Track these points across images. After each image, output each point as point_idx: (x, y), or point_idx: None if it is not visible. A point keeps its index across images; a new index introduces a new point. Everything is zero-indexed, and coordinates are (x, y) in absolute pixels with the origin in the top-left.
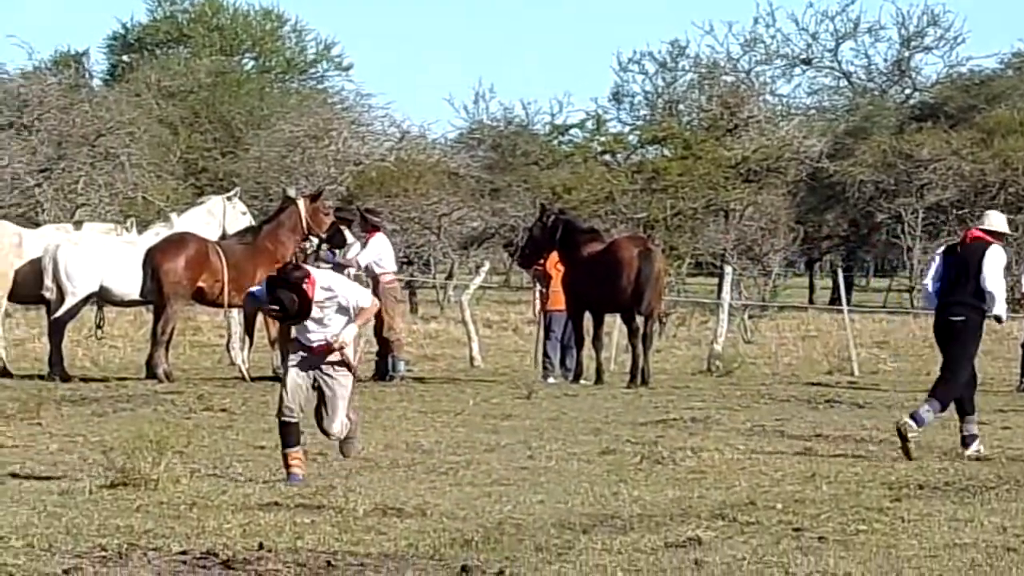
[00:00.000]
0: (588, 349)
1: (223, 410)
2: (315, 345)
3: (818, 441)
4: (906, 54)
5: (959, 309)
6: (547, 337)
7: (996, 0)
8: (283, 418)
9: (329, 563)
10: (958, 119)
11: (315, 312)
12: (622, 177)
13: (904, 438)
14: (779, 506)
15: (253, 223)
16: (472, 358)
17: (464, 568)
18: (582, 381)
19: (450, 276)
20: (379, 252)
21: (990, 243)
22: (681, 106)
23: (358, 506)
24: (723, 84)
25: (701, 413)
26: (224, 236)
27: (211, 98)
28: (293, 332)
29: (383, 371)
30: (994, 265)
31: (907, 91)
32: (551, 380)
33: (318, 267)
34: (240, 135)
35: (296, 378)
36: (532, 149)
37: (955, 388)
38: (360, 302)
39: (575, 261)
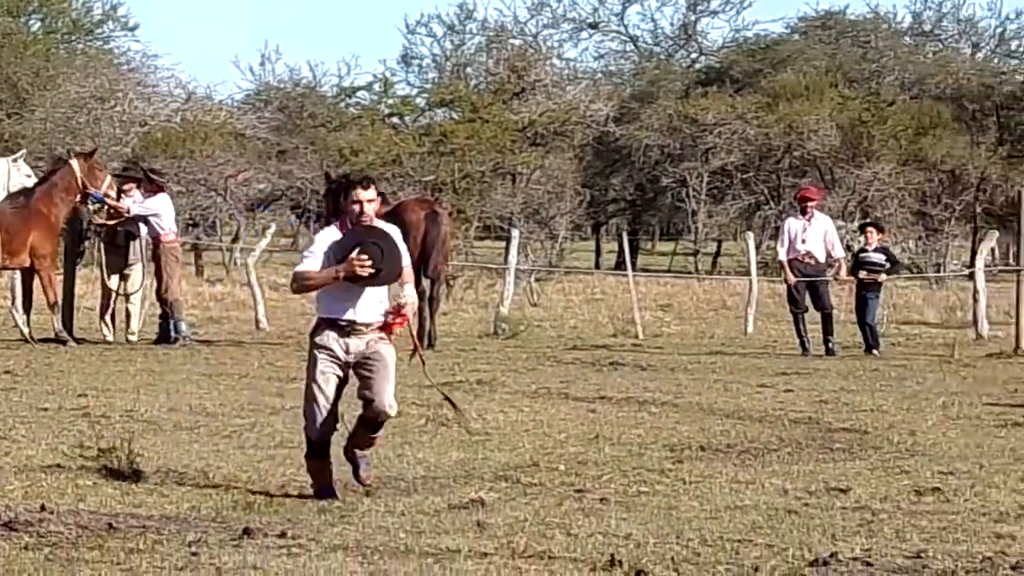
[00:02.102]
0: None
1: (6, 372)
2: (372, 322)
3: (602, 403)
4: (692, 18)
5: None
6: None
7: None
8: (318, 440)
9: (111, 525)
10: (744, 83)
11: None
12: (410, 140)
13: None
14: (562, 467)
15: None
16: (258, 321)
17: (246, 530)
18: None
19: (236, 239)
20: (157, 209)
21: None
22: (469, 69)
23: (141, 469)
24: (510, 48)
25: (487, 375)
26: None
27: None
28: (323, 310)
29: (166, 334)
30: None
31: (693, 55)
32: None
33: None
34: (26, 96)
35: (326, 389)
36: (320, 111)
37: None
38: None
39: None
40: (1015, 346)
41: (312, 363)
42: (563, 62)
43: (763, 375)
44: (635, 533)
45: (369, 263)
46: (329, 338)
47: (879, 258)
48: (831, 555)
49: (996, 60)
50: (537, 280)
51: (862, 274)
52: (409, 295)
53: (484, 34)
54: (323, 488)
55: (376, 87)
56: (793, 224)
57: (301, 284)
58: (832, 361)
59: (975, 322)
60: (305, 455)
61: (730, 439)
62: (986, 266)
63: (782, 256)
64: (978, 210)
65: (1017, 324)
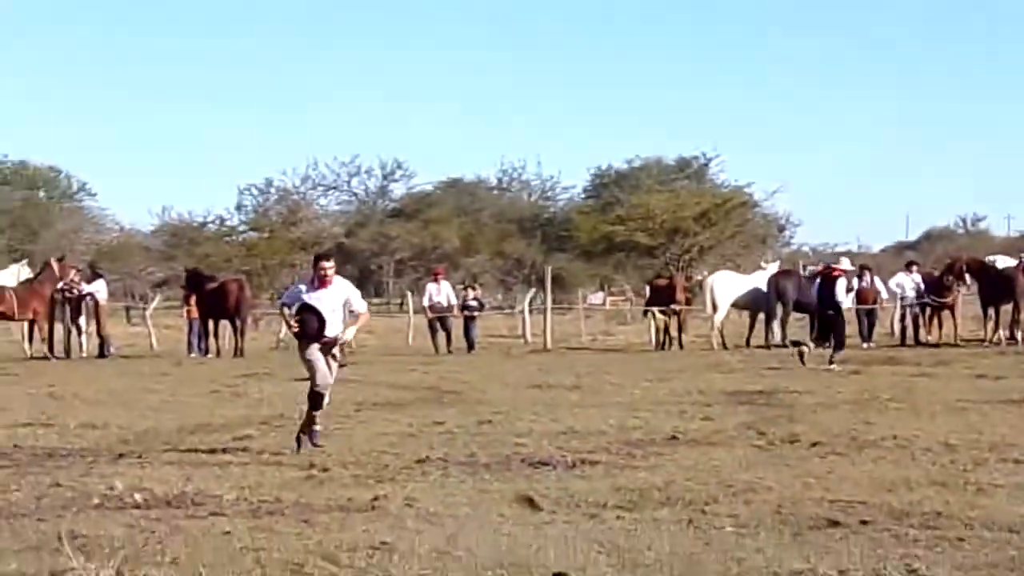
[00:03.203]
0: None
1: (15, 374)
2: (327, 337)
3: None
4: (386, 183)
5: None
6: None
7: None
8: (322, 391)
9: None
10: (412, 215)
11: (329, 312)
12: (236, 248)
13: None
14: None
15: None
16: (152, 344)
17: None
18: None
19: (144, 301)
20: (97, 287)
21: (838, 275)
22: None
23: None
24: (290, 200)
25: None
26: None
27: None
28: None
29: (103, 352)
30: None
31: (387, 202)
32: None
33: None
34: (35, 231)
35: (320, 358)
36: (193, 235)
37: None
38: (359, 307)
39: None
40: (544, 346)
41: (305, 352)
42: (319, 206)
43: (413, 365)
44: (332, 449)
45: (297, 326)
46: (311, 343)
47: (475, 304)
48: (425, 457)
49: (539, 200)
50: None
51: (466, 312)
52: (347, 333)
53: (277, 193)
54: (315, 434)
55: (217, 223)
56: (431, 287)
57: (280, 309)
58: (454, 358)
59: (523, 335)
60: (309, 409)
61: (387, 399)
62: (530, 306)
63: (425, 303)
64: (532, 277)
65: (545, 335)
